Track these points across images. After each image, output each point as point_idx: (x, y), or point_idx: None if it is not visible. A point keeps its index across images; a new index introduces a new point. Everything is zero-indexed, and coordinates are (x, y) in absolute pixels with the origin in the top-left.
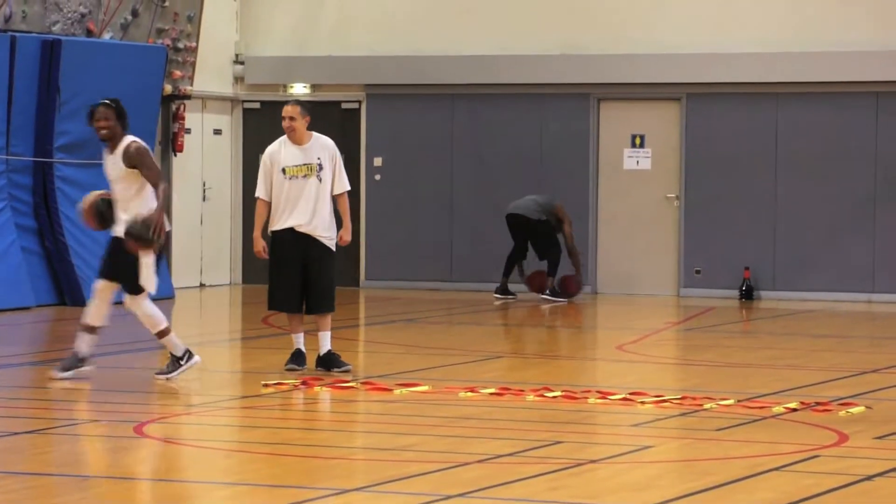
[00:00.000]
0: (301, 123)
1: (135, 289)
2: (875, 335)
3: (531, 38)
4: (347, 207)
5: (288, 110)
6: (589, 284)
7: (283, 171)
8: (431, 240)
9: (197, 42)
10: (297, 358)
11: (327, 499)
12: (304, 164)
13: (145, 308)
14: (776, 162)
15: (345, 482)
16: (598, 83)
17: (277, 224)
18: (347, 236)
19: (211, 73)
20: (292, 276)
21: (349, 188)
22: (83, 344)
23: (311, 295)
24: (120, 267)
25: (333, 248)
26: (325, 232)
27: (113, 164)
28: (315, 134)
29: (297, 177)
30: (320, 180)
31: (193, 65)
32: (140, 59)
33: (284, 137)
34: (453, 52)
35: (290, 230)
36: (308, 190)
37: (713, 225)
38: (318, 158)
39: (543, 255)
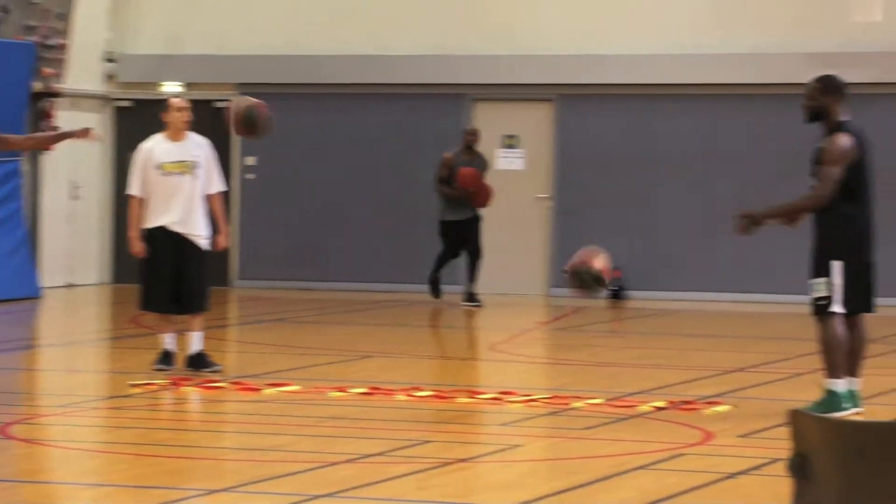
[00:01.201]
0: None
1: None
2: (741, 335)
3: (406, 39)
4: (223, 209)
5: (182, 102)
6: (461, 284)
7: (160, 167)
8: (304, 239)
9: (68, 39)
10: (166, 358)
11: (195, 499)
12: (181, 161)
13: None
14: (647, 164)
15: (213, 483)
16: (471, 83)
17: (150, 222)
18: (225, 242)
19: (82, 71)
20: (165, 276)
21: (226, 189)
22: None
23: (185, 295)
24: None
25: (207, 248)
26: (199, 231)
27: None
28: (190, 132)
29: (173, 173)
30: (196, 178)
31: (64, 62)
32: (8, 55)
33: (160, 134)
34: (328, 51)
35: (163, 228)
36: (183, 187)
37: (584, 225)
38: (195, 156)
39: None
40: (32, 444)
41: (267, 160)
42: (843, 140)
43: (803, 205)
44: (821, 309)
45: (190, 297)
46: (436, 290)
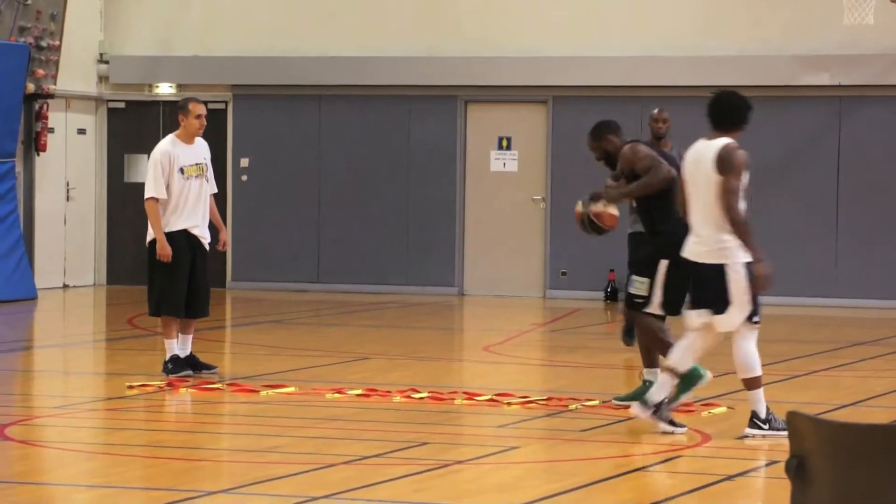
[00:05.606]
0: None
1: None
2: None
3: (398, 40)
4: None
5: (204, 109)
6: (456, 286)
7: (181, 170)
8: (299, 241)
9: (60, 41)
10: (183, 363)
11: (193, 501)
12: (196, 164)
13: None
14: None
15: (211, 484)
16: (464, 85)
17: (172, 225)
18: (227, 238)
19: (75, 72)
20: (184, 281)
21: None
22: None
23: (197, 299)
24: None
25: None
26: (208, 234)
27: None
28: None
29: (192, 177)
30: (207, 181)
31: (57, 63)
32: (2, 57)
33: (173, 137)
34: (320, 53)
35: (185, 232)
36: (201, 190)
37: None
38: (204, 158)
39: None
40: (29, 446)
41: (260, 162)
42: (632, 147)
43: (636, 191)
44: (637, 307)
45: (202, 301)
46: (629, 336)
